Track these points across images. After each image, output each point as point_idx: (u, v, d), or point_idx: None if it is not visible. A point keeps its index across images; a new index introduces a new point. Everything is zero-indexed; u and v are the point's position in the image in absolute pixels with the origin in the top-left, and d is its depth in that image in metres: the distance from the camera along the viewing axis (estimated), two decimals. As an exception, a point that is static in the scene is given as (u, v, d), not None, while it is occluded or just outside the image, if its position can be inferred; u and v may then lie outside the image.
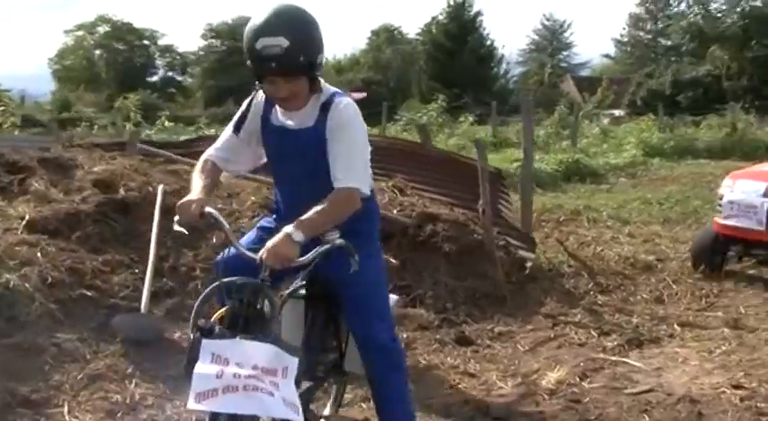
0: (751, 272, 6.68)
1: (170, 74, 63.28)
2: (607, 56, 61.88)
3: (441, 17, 51.94)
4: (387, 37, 57.89)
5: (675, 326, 5.27)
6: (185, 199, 2.74)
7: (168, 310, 4.89)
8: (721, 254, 6.51)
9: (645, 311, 5.63)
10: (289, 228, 2.57)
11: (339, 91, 2.88)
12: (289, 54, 2.59)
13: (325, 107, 2.80)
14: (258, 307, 2.56)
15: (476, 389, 4.26)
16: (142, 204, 5.67)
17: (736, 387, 4.05)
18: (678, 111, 24.50)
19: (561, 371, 4.43)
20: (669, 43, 51.86)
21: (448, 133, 17.25)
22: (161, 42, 62.41)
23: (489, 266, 6.00)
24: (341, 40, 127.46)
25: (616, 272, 6.51)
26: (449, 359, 4.67)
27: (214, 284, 2.64)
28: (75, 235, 5.22)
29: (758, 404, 3.80)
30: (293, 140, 2.85)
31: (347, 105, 2.80)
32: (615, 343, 4.94)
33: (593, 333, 5.16)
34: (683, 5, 52.50)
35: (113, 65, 58.03)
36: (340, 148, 2.75)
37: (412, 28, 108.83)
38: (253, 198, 6.17)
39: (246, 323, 2.53)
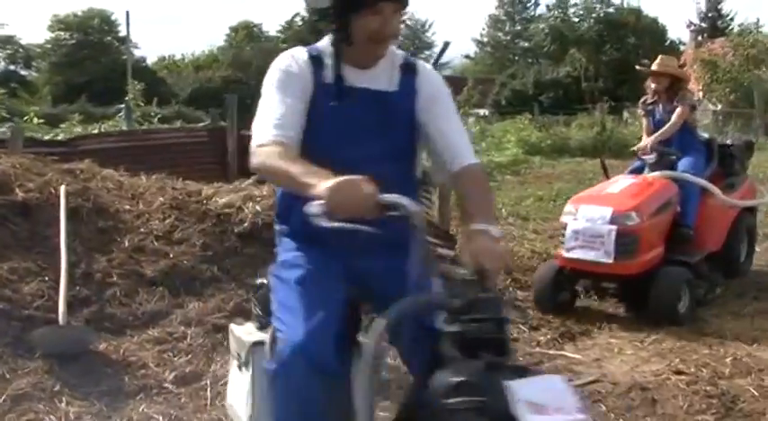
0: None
1: (12, 67, 59.04)
2: (467, 56, 63.75)
3: (303, 13, 51.68)
4: (246, 34, 56.68)
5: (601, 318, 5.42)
6: (345, 178, 1.89)
7: (88, 320, 4.50)
8: (569, 289, 5.63)
9: (567, 305, 5.75)
10: (479, 226, 2.05)
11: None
12: None
13: (409, 69, 2.35)
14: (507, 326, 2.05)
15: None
16: (44, 206, 5.25)
17: (678, 373, 4.20)
18: (542, 111, 25.51)
19: (503, 366, 4.44)
20: (527, 45, 54.14)
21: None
22: (1, 33, 58.15)
23: (411, 264, 5.96)
24: (196, 37, 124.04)
25: (530, 267, 6.62)
26: (397, 360, 4.58)
27: (404, 303, 2.02)
28: (-28, 242, 4.74)
29: (704, 388, 3.94)
30: (378, 107, 2.26)
31: (432, 69, 2.42)
32: (548, 336, 5.01)
33: (522, 328, 5.20)
34: (541, 9, 55.07)
35: (-58, 56, 53.48)
36: (451, 122, 2.33)
37: (273, 25, 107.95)
38: (161, 198, 5.82)
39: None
